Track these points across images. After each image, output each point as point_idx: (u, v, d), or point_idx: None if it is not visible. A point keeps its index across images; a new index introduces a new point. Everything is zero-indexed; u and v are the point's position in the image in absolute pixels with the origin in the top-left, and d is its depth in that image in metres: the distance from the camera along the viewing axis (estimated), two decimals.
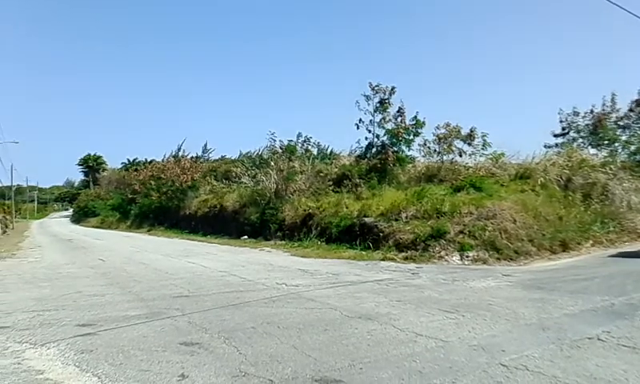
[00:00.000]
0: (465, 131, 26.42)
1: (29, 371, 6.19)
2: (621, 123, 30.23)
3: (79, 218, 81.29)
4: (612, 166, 23.20)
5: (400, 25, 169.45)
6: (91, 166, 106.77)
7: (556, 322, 8.05)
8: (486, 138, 26.00)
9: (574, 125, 31.97)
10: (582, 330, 7.37)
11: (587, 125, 31.30)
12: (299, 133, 33.50)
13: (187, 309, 9.79)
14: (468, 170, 25.51)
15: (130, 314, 9.51)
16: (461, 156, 26.54)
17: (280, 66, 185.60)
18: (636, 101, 29.45)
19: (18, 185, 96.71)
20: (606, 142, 29.54)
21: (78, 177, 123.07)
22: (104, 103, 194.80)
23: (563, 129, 32.40)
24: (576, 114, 31.88)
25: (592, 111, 31.12)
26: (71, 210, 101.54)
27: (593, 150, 29.37)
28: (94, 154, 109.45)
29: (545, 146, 30.79)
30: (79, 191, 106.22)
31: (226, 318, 8.91)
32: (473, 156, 26.44)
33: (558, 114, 32.52)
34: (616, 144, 29.41)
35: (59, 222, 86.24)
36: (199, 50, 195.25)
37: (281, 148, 32.24)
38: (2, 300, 11.51)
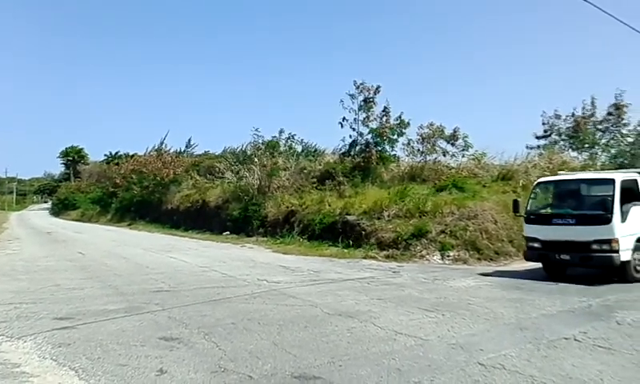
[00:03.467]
0: (448, 131, 26.57)
1: (4, 364, 6.13)
2: (600, 127, 30.61)
3: (59, 210, 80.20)
4: (592, 169, 23.50)
5: (387, 23, 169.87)
6: (72, 158, 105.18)
7: (534, 322, 8.15)
8: (467, 138, 26.20)
9: (556, 127, 32.31)
10: (559, 331, 7.48)
11: (568, 128, 31.65)
12: (281, 129, 33.35)
13: (167, 304, 9.75)
14: (451, 170, 25.68)
15: (109, 308, 9.45)
16: (444, 156, 26.70)
17: (266, 62, 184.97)
18: (614, 104, 29.84)
19: None
20: (587, 145, 29.92)
21: (58, 169, 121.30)
22: (86, 95, 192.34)
23: (545, 131, 32.72)
24: (558, 116, 32.22)
25: (573, 114, 31.48)
26: (51, 202, 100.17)
27: (573, 153, 29.77)
28: (76, 147, 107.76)
29: (527, 148, 31.12)
30: (59, 184, 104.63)
31: (206, 313, 8.89)
32: (456, 156, 26.63)
33: (541, 116, 32.86)
34: (596, 147, 29.80)
35: (38, 214, 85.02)
36: (184, 43, 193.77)
37: (264, 144, 32.12)
38: None
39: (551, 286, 11.52)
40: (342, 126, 28.39)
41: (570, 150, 30.52)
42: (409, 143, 27.59)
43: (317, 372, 5.70)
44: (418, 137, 27.12)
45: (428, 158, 26.99)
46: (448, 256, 16.22)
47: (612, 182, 12.01)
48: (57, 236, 32.81)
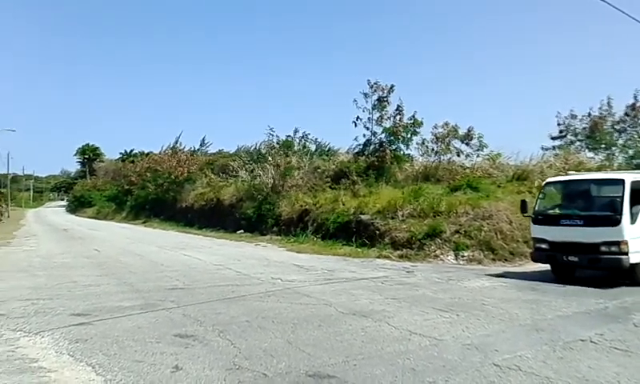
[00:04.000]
0: (463, 131, 26.44)
1: (22, 359, 6.21)
2: (617, 127, 30.26)
3: (75, 208, 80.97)
4: (609, 170, 23.23)
5: (401, 22, 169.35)
6: (88, 156, 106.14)
7: (549, 323, 8.09)
8: (482, 138, 26.05)
9: (572, 128, 32.00)
10: (575, 332, 7.41)
11: (584, 128, 31.33)
12: (296, 128, 33.49)
13: (182, 301, 9.82)
14: (465, 169, 25.55)
15: (125, 304, 9.53)
16: (459, 156, 26.57)
17: (280, 62, 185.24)
18: (631, 105, 29.47)
19: (14, 173, 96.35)
20: (603, 145, 29.59)
21: (74, 167, 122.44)
22: (102, 94, 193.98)
23: (561, 132, 32.41)
24: (573, 117, 31.91)
25: (589, 114, 31.15)
26: (67, 200, 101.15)
27: (590, 154, 29.43)
28: (92, 145, 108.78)
29: (542, 149, 30.84)
30: (75, 181, 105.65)
31: (221, 311, 8.94)
32: (470, 156, 26.49)
33: (556, 116, 32.55)
34: (613, 148, 29.46)
35: (55, 211, 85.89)
36: (199, 43, 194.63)
37: (278, 143, 32.19)
38: None
39: (567, 287, 11.41)
40: (355, 125, 28.40)
41: (586, 150, 30.20)
42: (423, 143, 27.51)
43: (331, 371, 5.70)
44: (433, 136, 27.03)
45: (442, 157, 26.89)
46: (462, 256, 16.14)
47: (621, 182, 11.76)
48: (73, 233, 33.16)
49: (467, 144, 26.34)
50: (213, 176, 39.79)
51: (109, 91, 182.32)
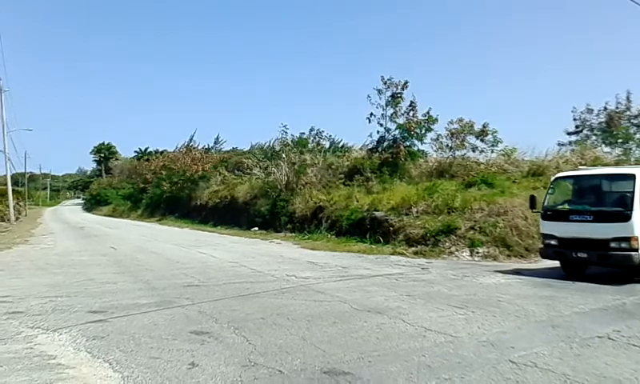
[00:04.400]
0: (478, 127, 26.27)
1: (41, 356, 6.28)
2: (635, 121, 29.88)
3: (91, 206, 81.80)
4: (626, 164, 22.93)
5: (415, 19, 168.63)
6: (104, 154, 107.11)
7: (566, 320, 8.03)
8: (496, 134, 25.85)
9: (588, 123, 31.66)
10: (592, 329, 7.35)
11: (601, 123, 30.97)
12: (311, 126, 33.59)
13: (197, 298, 9.88)
14: (480, 165, 25.36)
15: (141, 301, 9.61)
16: (473, 151, 26.40)
17: (293, 58, 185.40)
18: None
19: (31, 172, 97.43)
20: (620, 140, 29.24)
21: (90, 165, 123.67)
22: (118, 92, 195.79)
23: (577, 127, 32.09)
24: (589, 111, 31.56)
25: (605, 109, 30.79)
26: (83, 198, 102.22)
27: (606, 149, 29.07)
28: (107, 143, 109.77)
29: (558, 144, 30.53)
30: (91, 179, 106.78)
31: (236, 308, 8.98)
32: (485, 152, 26.30)
33: (572, 111, 32.22)
34: (630, 142, 29.10)
35: (71, 209, 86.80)
36: (213, 40, 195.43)
37: (292, 140, 32.24)
38: (15, 286, 11.68)
39: (583, 283, 11.32)
40: (369, 122, 28.35)
41: (602, 145, 29.85)
42: (437, 139, 27.37)
43: (346, 367, 5.71)
44: (447, 132, 26.89)
45: (457, 153, 26.73)
46: (477, 253, 16.06)
47: (632, 177, 11.54)
48: (89, 231, 33.48)
49: (482, 140, 26.14)
50: (227, 174, 39.97)
51: (124, 89, 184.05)
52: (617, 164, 22.49)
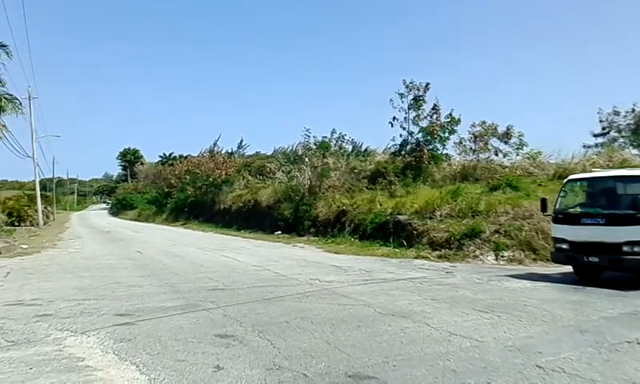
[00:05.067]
0: (501, 129, 26.01)
1: (70, 358, 6.39)
2: None
3: (117, 210, 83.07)
4: None
5: (438, 22, 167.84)
6: (129, 159, 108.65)
7: (594, 324, 7.90)
8: (522, 137, 25.55)
9: (615, 124, 31.04)
10: (621, 334, 7.22)
11: (628, 124, 30.36)
12: (333, 129, 33.58)
13: (222, 302, 9.94)
14: (504, 168, 25.10)
15: (167, 305, 9.72)
16: (497, 155, 26.15)
17: (316, 63, 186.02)
18: None
19: (59, 177, 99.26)
20: None
21: (116, 170, 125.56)
22: (144, 98, 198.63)
23: (603, 128, 31.46)
24: (616, 113, 30.93)
25: (633, 110, 30.15)
26: (110, 202, 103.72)
27: (635, 151, 28.46)
28: (133, 148, 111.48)
29: (584, 146, 29.98)
30: (117, 184, 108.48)
31: (260, 311, 9.02)
32: (509, 155, 26.03)
33: (598, 113, 31.61)
34: None
35: (98, 214, 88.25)
36: (236, 47, 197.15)
37: (315, 144, 32.31)
38: (44, 289, 11.90)
39: (612, 287, 11.11)
40: (392, 126, 28.34)
41: (630, 147, 29.25)
42: (460, 142, 27.20)
43: (371, 372, 5.69)
44: (470, 135, 26.68)
45: (481, 156, 26.51)
46: (502, 256, 15.87)
47: None
48: (115, 235, 33.97)
49: (506, 143, 25.90)
50: (250, 178, 40.22)
51: (150, 95, 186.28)
52: None
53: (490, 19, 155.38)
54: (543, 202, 13.32)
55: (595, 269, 11.96)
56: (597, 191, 12.88)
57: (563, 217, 12.45)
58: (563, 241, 12.21)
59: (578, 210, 12.52)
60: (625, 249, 10.89)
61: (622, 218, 11.21)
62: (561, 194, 13.03)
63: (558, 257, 12.54)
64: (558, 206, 12.70)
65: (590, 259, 11.58)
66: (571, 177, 13.99)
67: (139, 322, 8.28)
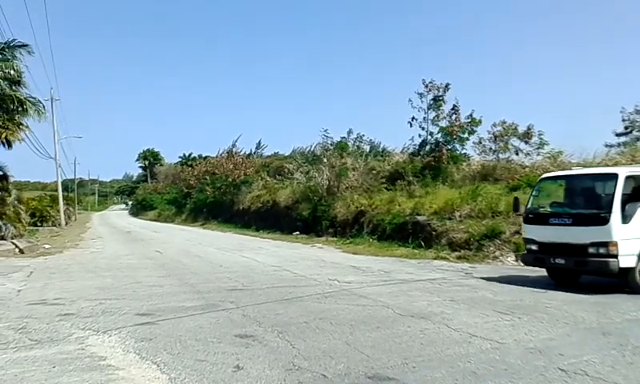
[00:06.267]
0: (522, 129, 25.74)
1: (92, 357, 6.45)
2: None
3: (137, 211, 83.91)
4: None
5: (455, 22, 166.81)
6: (149, 160, 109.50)
7: (617, 327, 7.78)
8: (543, 136, 25.25)
9: (638, 124, 30.56)
10: None
11: None
12: (350, 129, 33.58)
13: (241, 302, 9.98)
14: (525, 168, 24.80)
15: (187, 305, 9.78)
16: (517, 154, 25.88)
17: (334, 63, 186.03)
18: None
19: (80, 178, 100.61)
20: None
21: (136, 171, 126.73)
22: (164, 99, 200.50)
23: (626, 128, 30.99)
24: (639, 112, 30.46)
25: None
26: (130, 203, 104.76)
27: None
28: (152, 149, 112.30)
29: (606, 146, 29.54)
30: (137, 185, 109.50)
31: (280, 312, 9.03)
32: (530, 155, 25.73)
33: (620, 112, 31.16)
34: None
35: (118, 214, 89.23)
36: (254, 47, 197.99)
37: (332, 144, 32.30)
38: (66, 288, 12.05)
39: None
40: (410, 126, 28.26)
41: None
42: (480, 142, 26.97)
43: (390, 373, 5.68)
44: (490, 135, 26.45)
45: (500, 156, 26.26)
46: None
47: (615, 177, 10.67)
48: (136, 235, 34.32)
49: (526, 142, 25.62)
50: (268, 178, 40.36)
51: (170, 96, 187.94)
52: None
53: (509, 16, 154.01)
54: (515, 201, 13.00)
55: (570, 271, 11.53)
56: (568, 190, 12.56)
57: (533, 217, 12.08)
58: (533, 242, 11.85)
59: (548, 209, 12.14)
60: (590, 250, 10.50)
61: (588, 217, 10.84)
62: (533, 193, 12.67)
63: (528, 258, 12.24)
64: (529, 206, 12.32)
65: (557, 261, 11.24)
66: (545, 175, 13.65)
67: (160, 322, 8.34)
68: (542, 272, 12.38)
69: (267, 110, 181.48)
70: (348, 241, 23.37)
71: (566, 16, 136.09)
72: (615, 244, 10.23)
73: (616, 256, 10.20)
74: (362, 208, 24.88)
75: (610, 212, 10.33)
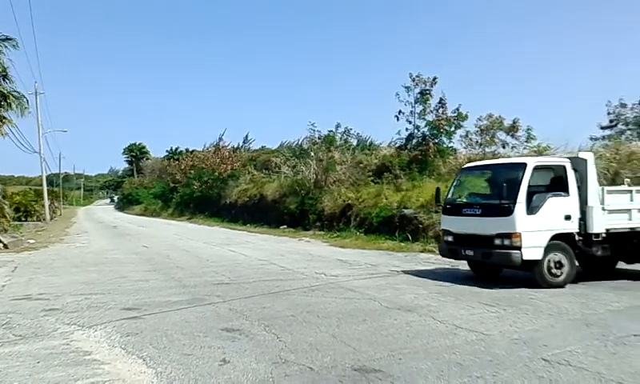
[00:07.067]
0: (508, 123, 25.85)
1: (77, 352, 6.41)
2: None
3: (123, 205, 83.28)
4: None
5: (443, 18, 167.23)
6: (135, 154, 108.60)
7: (600, 317, 7.89)
8: (530, 130, 25.38)
9: (622, 117, 30.90)
10: (628, 327, 7.21)
11: (636, 117, 30.21)
12: (338, 123, 33.52)
13: (228, 296, 9.97)
14: None
15: (173, 299, 9.75)
16: (504, 148, 25.99)
17: (321, 58, 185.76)
18: None
19: (65, 172, 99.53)
20: None
21: (122, 165, 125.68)
22: (150, 93, 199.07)
23: (611, 121, 31.35)
24: (623, 105, 30.80)
25: None
26: (116, 197, 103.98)
27: None
28: (139, 143, 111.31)
29: (591, 139, 29.82)
30: (123, 179, 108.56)
31: (266, 305, 9.03)
32: (516, 148, 25.87)
33: (606, 105, 31.49)
34: None
35: (104, 209, 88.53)
36: (242, 42, 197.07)
37: (320, 138, 32.27)
38: (51, 283, 11.95)
39: (619, 280, 11.09)
40: (397, 119, 28.19)
41: (637, 139, 29.08)
42: (467, 135, 27.06)
43: (377, 365, 5.70)
44: (477, 128, 26.55)
45: (487, 150, 26.37)
46: None
47: (523, 167, 10.50)
48: (122, 230, 34.10)
49: (513, 136, 25.74)
50: (256, 172, 40.21)
51: (156, 90, 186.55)
52: None
53: (495, 13, 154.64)
54: (437, 191, 12.99)
55: (487, 264, 11.32)
56: (482, 180, 12.51)
57: (450, 207, 11.95)
58: (449, 233, 11.76)
59: (463, 200, 12.00)
60: (496, 242, 10.33)
61: (495, 208, 10.68)
62: (454, 184, 12.53)
63: (443, 250, 12.12)
64: (449, 196, 12.21)
65: (467, 253, 11.16)
66: (466, 165, 13.58)
67: (146, 316, 8.31)
68: None
69: (255, 103, 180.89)
70: (335, 234, 23.40)
71: (553, 12, 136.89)
72: (518, 235, 10.05)
73: (519, 248, 10.03)
74: (350, 202, 24.91)
75: (514, 202, 10.15)
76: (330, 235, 23.59)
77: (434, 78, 27.24)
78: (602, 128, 31.50)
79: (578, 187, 10.67)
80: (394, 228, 20.36)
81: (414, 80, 27.41)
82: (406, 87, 27.54)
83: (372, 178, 27.34)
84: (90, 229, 35.93)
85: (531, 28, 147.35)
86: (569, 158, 11.19)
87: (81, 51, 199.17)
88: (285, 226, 28.66)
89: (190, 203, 49.14)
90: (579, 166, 10.84)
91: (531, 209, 10.22)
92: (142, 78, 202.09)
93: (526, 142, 25.43)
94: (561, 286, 10.23)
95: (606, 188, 11.11)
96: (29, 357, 6.17)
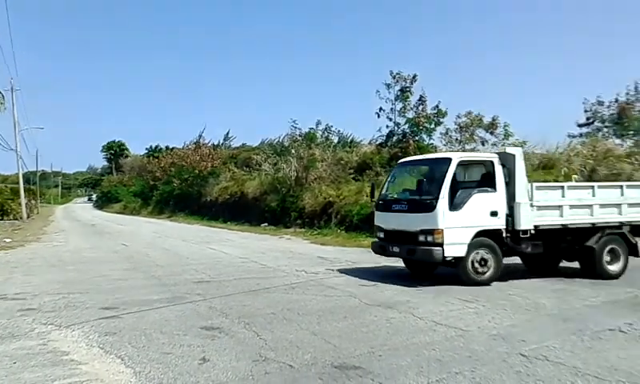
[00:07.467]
0: (487, 120, 26.10)
1: (54, 352, 6.33)
2: None
3: (102, 203, 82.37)
4: (638, 157, 22.66)
5: (423, 15, 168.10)
6: (114, 152, 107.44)
7: (577, 313, 8.02)
8: (508, 127, 25.65)
9: (599, 114, 31.36)
10: (604, 322, 7.32)
11: (612, 114, 30.69)
12: (318, 120, 33.51)
13: (208, 294, 9.92)
14: None
15: (153, 297, 9.67)
16: (483, 145, 26.22)
17: (302, 55, 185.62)
18: None
19: (42, 170, 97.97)
20: (632, 131, 28.94)
21: (101, 163, 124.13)
22: (128, 90, 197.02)
23: (588, 119, 31.80)
24: (600, 103, 31.26)
25: (617, 101, 30.51)
26: (95, 195, 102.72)
27: (618, 140, 28.77)
28: (118, 141, 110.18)
29: (568, 136, 30.23)
30: (102, 177, 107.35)
31: (247, 303, 9.01)
32: (496, 145, 26.10)
33: (583, 103, 31.94)
34: None
35: (83, 207, 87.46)
36: (223, 38, 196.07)
37: (301, 136, 32.24)
38: (28, 282, 11.78)
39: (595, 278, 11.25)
40: (378, 117, 28.21)
41: (614, 137, 29.57)
42: (446, 133, 27.24)
43: (357, 362, 5.72)
44: (456, 126, 26.75)
45: (466, 147, 26.58)
46: None
47: (447, 162, 10.39)
48: (101, 228, 33.71)
49: (492, 133, 25.99)
50: (236, 170, 40.06)
51: (135, 87, 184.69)
52: (629, 156, 22.27)
53: (475, 11, 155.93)
54: (372, 187, 12.98)
55: (426, 262, 11.05)
56: (412, 176, 12.41)
57: (382, 203, 11.78)
58: (380, 229, 11.67)
59: (394, 196, 11.85)
60: (420, 238, 10.24)
61: (419, 204, 10.58)
62: (389, 179, 12.41)
63: (375, 246, 12.01)
64: (384, 192, 12.05)
65: (394, 249, 11.06)
66: (401, 161, 13.47)
67: (124, 315, 8.22)
68: (507, 260, 12.63)
69: (236, 101, 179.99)
70: (316, 232, 23.42)
71: (531, 11, 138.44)
72: (440, 232, 9.93)
73: (441, 245, 9.92)
74: (330, 199, 24.93)
75: (437, 198, 10.03)
76: (310, 233, 23.60)
77: (414, 76, 27.33)
78: (580, 125, 31.94)
79: (507, 183, 10.52)
80: None
81: (394, 77, 27.48)
82: (386, 84, 27.61)
83: (353, 175, 27.41)
84: (68, 227, 35.46)
85: (509, 26, 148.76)
86: (497, 153, 11.17)
87: (58, 46, 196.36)
88: (266, 224, 28.59)
89: (169, 201, 48.80)
90: (508, 161, 10.69)
91: (455, 205, 10.10)
92: (121, 74, 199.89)
93: (504, 138, 25.72)
94: (486, 283, 10.18)
95: (535, 184, 10.94)
96: (5, 357, 6.07)
